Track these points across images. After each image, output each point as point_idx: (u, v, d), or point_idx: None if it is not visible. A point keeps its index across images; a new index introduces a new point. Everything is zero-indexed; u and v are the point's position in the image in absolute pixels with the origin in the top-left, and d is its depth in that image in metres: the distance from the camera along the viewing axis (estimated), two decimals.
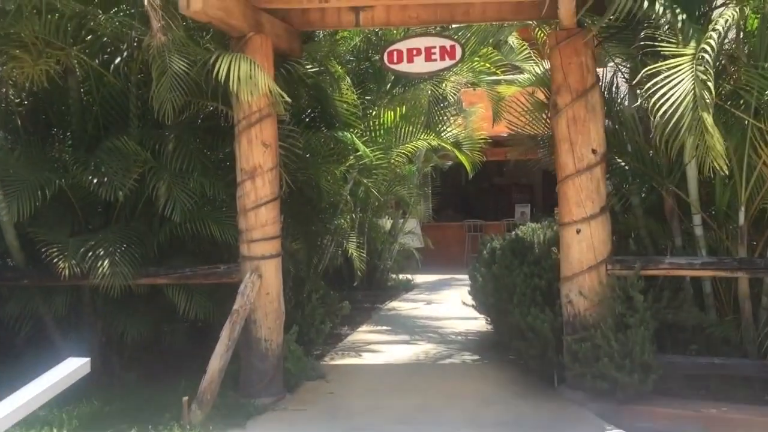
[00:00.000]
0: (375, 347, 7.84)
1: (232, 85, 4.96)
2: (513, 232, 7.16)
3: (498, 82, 9.76)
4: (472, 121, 11.51)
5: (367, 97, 9.02)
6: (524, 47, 9.82)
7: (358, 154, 7.43)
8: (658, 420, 5.14)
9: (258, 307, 5.56)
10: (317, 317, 7.29)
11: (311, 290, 7.58)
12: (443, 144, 9.59)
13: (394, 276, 13.65)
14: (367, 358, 7.32)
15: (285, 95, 5.26)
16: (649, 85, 4.69)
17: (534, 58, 9.13)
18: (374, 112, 9.14)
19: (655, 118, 4.67)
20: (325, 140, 7.08)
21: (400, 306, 11.16)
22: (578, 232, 5.52)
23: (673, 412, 5.17)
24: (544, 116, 6.59)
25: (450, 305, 10.77)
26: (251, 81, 5.00)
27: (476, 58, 9.19)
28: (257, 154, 5.61)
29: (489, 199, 20.35)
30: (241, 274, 5.59)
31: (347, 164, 7.62)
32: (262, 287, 5.54)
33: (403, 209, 13.48)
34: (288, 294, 7.74)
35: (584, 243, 5.52)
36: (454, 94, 10.90)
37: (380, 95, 9.26)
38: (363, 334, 8.76)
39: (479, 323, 8.50)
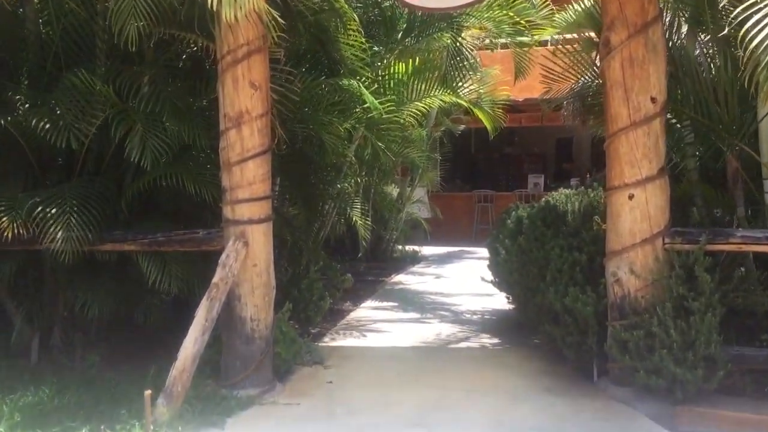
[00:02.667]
0: (381, 326, 6.95)
1: (211, 3, 3.96)
2: (543, 199, 6.19)
3: (522, 34, 8.71)
4: (489, 81, 10.50)
5: (375, 48, 8.06)
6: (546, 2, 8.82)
7: (365, 106, 6.44)
8: (723, 425, 4.21)
9: (243, 281, 4.63)
10: (316, 292, 6.41)
11: (309, 261, 6.69)
12: (461, 101, 8.58)
13: (399, 247, 12.83)
14: (371, 339, 6.42)
15: (279, 21, 4.24)
16: (739, 10, 3.69)
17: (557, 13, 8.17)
18: (383, 64, 8.17)
19: (744, 53, 3.68)
20: (328, 88, 6.10)
21: (407, 280, 10.28)
22: (631, 197, 4.57)
23: (742, 416, 4.24)
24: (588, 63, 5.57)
25: (461, 279, 9.95)
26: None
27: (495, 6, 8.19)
28: (244, 97, 4.63)
29: (499, 169, 19.42)
30: (224, 241, 4.66)
31: (353, 118, 6.64)
32: (248, 257, 4.61)
33: (411, 176, 12.55)
34: (283, 265, 6.85)
35: (638, 211, 4.56)
36: (471, 50, 9.90)
37: (390, 46, 8.27)
38: (367, 310, 7.87)
39: (497, 301, 7.61)
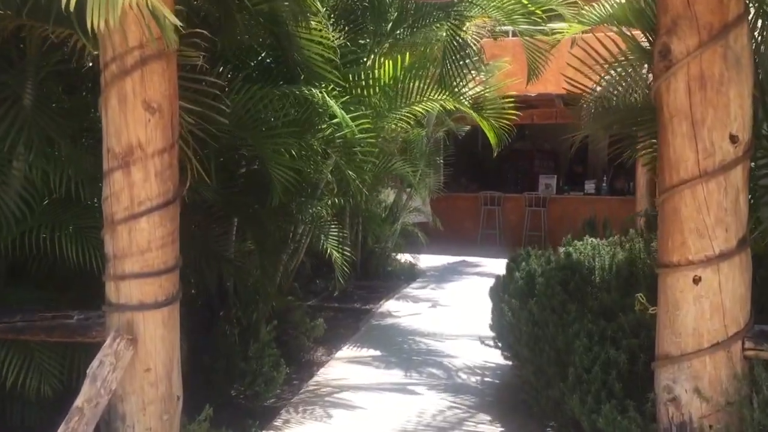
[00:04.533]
0: (353, 397, 5.50)
1: (66, 5, 2.51)
2: (562, 250, 4.73)
3: (538, 25, 7.19)
4: (495, 77, 9.03)
5: (360, 41, 6.65)
6: None
7: (335, 121, 4.97)
8: None
9: (129, 394, 3.21)
10: (268, 360, 5.02)
11: (261, 317, 5.29)
12: (463, 108, 7.11)
13: (394, 255, 11.48)
14: (336, 424, 4.99)
15: (173, 18, 2.76)
16: None
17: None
18: (370, 61, 6.72)
19: None
20: (282, 101, 4.63)
21: (398, 309, 8.89)
22: (697, 281, 3.12)
23: None
24: (632, 76, 4.08)
25: (460, 309, 8.65)
26: None
27: None
28: (135, 124, 3.19)
29: (508, 168, 17.93)
30: (106, 332, 3.25)
31: (320, 138, 5.17)
32: (137, 359, 3.18)
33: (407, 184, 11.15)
34: (237, 316, 5.45)
35: (706, 301, 3.12)
36: (476, 43, 8.46)
37: (378, 38, 6.84)
38: (342, 364, 6.45)
39: (498, 353, 6.18)
